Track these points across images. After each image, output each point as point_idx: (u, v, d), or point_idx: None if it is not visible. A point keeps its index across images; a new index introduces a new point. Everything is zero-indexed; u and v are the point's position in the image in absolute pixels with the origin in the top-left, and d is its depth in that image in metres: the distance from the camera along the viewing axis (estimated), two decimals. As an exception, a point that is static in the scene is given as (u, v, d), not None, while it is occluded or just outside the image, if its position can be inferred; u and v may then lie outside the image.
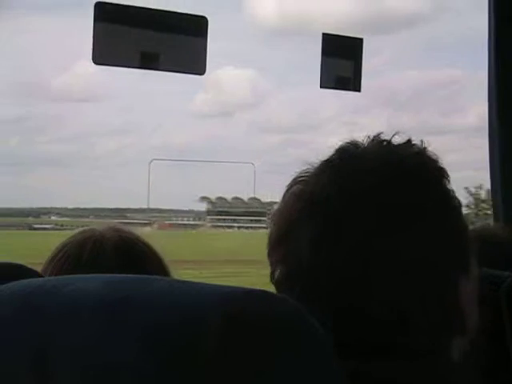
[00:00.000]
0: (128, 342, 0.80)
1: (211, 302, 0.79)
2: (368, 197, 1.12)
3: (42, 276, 1.21)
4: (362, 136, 1.21)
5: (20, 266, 1.23)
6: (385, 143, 1.20)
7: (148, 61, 2.68)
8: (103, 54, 2.66)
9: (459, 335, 1.17)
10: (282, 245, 1.17)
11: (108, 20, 2.64)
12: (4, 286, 0.97)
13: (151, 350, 0.78)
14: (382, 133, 1.21)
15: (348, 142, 1.20)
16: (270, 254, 1.21)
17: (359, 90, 2.85)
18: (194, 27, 2.69)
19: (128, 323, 0.81)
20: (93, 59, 2.64)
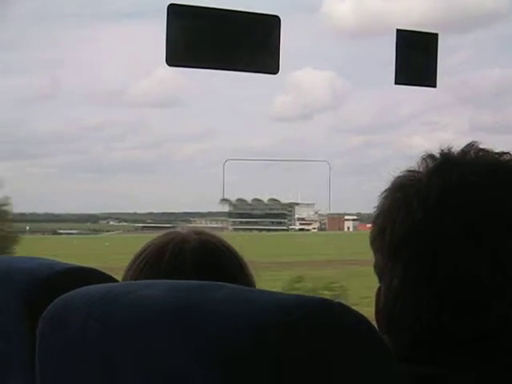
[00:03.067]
0: (189, 349, 0.80)
1: (272, 310, 0.79)
2: (474, 191, 1.17)
3: (114, 279, 1.23)
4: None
5: (92, 269, 1.25)
6: (482, 153, 1.24)
7: (221, 61, 2.69)
8: (177, 55, 2.68)
9: None
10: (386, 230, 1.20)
11: (181, 21, 2.66)
12: (75, 291, 0.99)
13: (212, 357, 0.78)
14: (476, 142, 1.25)
15: (445, 149, 1.24)
16: (373, 242, 1.24)
17: (435, 86, 2.80)
18: (267, 26, 2.69)
19: (190, 331, 0.81)
20: (166, 61, 2.66)
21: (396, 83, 2.72)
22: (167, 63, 2.67)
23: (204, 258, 1.54)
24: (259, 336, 0.77)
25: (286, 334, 0.76)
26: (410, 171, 1.23)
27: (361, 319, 0.80)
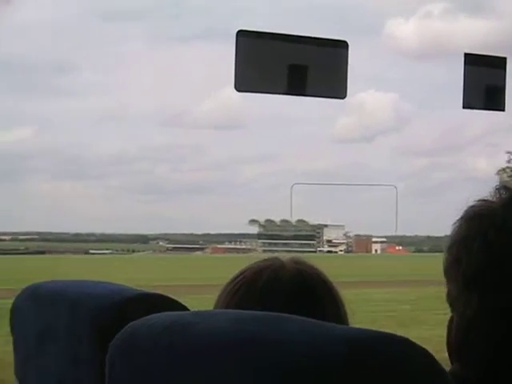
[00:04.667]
0: (254, 379, 0.81)
1: (336, 343, 0.79)
2: None
3: (183, 306, 1.24)
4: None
5: (162, 296, 1.26)
6: None
7: (290, 87, 2.70)
8: (245, 81, 2.70)
9: None
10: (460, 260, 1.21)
11: (250, 47, 2.68)
12: (144, 318, 1.00)
13: None
14: None
15: None
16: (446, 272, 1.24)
17: (503, 110, 2.80)
18: (335, 52, 2.70)
19: (254, 362, 0.82)
20: (235, 86, 2.68)
21: (464, 107, 2.72)
22: (236, 89, 2.69)
23: (298, 288, 1.53)
24: (322, 369, 0.78)
25: (349, 367, 0.77)
26: (484, 201, 1.23)
27: (425, 354, 0.80)
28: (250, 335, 0.85)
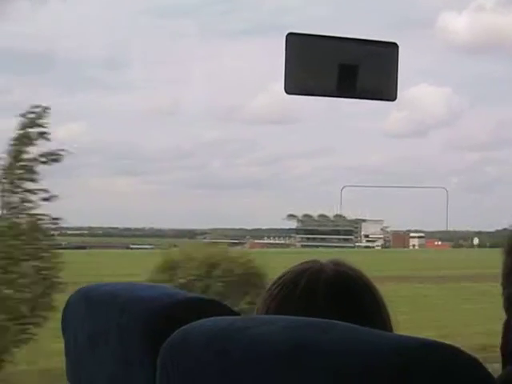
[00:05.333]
0: None
1: (388, 351, 0.80)
2: None
3: (233, 311, 1.23)
4: None
5: (212, 300, 1.26)
6: None
7: (340, 89, 2.69)
8: (295, 84, 2.70)
9: None
10: None
11: (299, 50, 2.68)
12: (195, 323, 1.01)
13: None
14: None
15: None
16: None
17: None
18: (386, 54, 2.69)
19: (304, 370, 0.82)
20: (285, 89, 2.67)
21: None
22: (286, 92, 2.69)
23: (338, 289, 1.53)
24: (373, 377, 0.78)
25: (399, 376, 0.77)
26: None
27: (473, 361, 0.80)
28: (301, 343, 0.85)
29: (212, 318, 1.01)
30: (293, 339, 0.86)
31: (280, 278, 1.62)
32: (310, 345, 0.84)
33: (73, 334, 1.41)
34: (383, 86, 2.70)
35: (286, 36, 2.65)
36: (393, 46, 2.71)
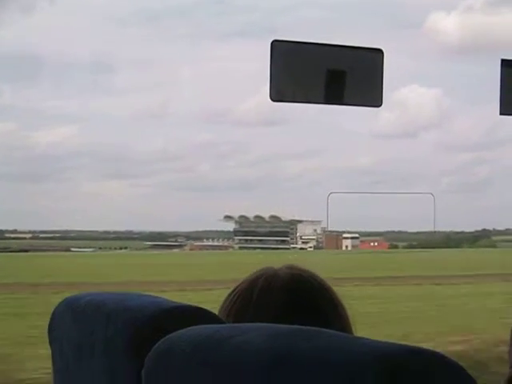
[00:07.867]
0: None
1: (371, 359, 0.80)
2: None
3: (220, 319, 1.23)
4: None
5: (199, 308, 1.25)
6: None
7: (325, 96, 2.69)
8: (281, 91, 2.68)
9: None
10: None
11: (285, 57, 2.66)
12: (180, 331, 1.01)
13: None
14: None
15: None
16: None
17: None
18: (371, 60, 2.69)
19: (289, 379, 0.83)
20: (270, 96, 2.66)
21: (501, 114, 2.71)
22: (271, 99, 2.67)
23: (294, 292, 1.54)
24: None
25: (381, 382, 0.78)
26: None
27: (457, 367, 0.81)
28: (285, 351, 0.85)
29: (197, 327, 1.01)
30: (276, 348, 0.86)
31: (238, 285, 1.64)
32: (293, 353, 0.84)
33: (59, 345, 1.39)
34: (369, 92, 2.70)
35: (271, 43, 2.63)
36: (378, 52, 2.71)
